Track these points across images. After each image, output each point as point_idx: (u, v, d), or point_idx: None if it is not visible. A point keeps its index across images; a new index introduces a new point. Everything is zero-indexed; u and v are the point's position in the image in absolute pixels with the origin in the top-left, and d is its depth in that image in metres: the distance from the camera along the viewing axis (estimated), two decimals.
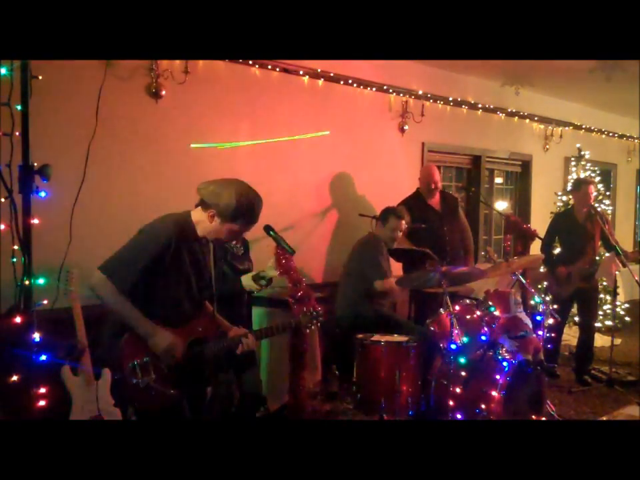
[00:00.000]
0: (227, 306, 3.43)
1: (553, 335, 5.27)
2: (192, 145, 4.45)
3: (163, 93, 4.38)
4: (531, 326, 4.45)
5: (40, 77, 1.90)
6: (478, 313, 4.24)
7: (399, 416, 3.90)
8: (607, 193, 8.24)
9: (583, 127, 8.32)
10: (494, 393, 3.80)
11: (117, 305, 2.53)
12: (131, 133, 4.27)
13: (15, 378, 1.99)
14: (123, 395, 2.73)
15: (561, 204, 7.27)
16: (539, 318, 4.55)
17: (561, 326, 5.62)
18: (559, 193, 7.45)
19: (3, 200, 1.84)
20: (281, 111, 5.13)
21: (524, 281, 4.66)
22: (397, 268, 5.14)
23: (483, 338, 4.09)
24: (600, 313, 7.16)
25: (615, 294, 5.89)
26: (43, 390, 2.01)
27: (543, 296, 5.02)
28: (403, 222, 4.83)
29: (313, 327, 3.14)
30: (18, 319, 1.88)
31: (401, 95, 5.99)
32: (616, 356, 5.91)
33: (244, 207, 2.59)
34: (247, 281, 3.61)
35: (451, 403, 3.74)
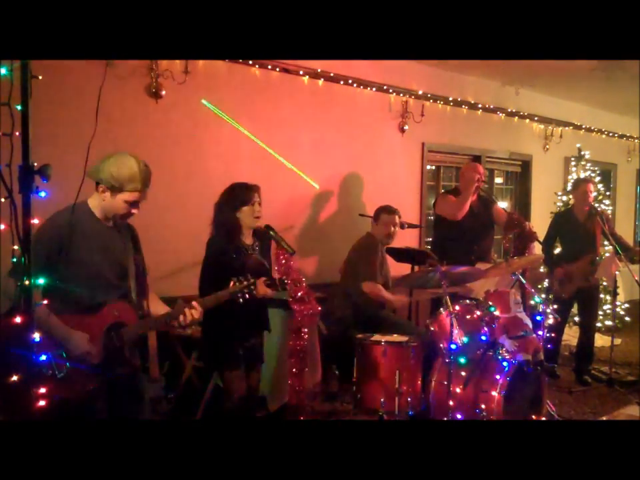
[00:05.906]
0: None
1: (553, 334, 5.27)
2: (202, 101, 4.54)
3: (163, 93, 4.38)
4: (530, 326, 4.45)
5: (40, 77, 1.90)
6: (478, 312, 4.24)
7: (399, 416, 3.90)
8: (607, 193, 8.24)
9: (583, 127, 8.32)
10: (494, 393, 3.80)
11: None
12: (131, 133, 4.27)
13: (14, 378, 1.98)
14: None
15: (561, 204, 7.27)
16: (538, 318, 4.54)
17: (561, 326, 5.62)
18: (559, 193, 7.45)
19: (2, 200, 1.83)
20: (281, 111, 5.13)
21: (524, 281, 4.65)
22: (397, 268, 5.14)
23: (483, 338, 4.09)
24: (600, 312, 7.16)
25: (615, 294, 5.89)
26: (42, 390, 2.00)
27: (543, 296, 5.01)
28: (396, 216, 4.82)
29: (246, 296, 2.93)
30: (18, 319, 1.88)
31: (401, 94, 5.99)
32: (616, 356, 5.92)
33: (125, 171, 2.59)
34: (261, 288, 3.28)
35: (451, 403, 3.74)
